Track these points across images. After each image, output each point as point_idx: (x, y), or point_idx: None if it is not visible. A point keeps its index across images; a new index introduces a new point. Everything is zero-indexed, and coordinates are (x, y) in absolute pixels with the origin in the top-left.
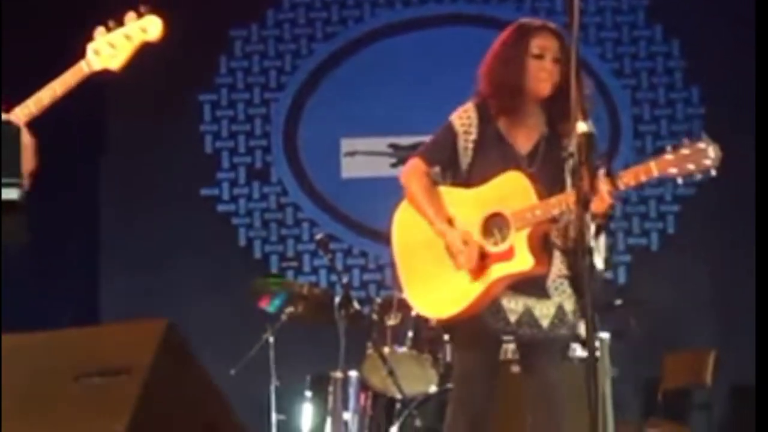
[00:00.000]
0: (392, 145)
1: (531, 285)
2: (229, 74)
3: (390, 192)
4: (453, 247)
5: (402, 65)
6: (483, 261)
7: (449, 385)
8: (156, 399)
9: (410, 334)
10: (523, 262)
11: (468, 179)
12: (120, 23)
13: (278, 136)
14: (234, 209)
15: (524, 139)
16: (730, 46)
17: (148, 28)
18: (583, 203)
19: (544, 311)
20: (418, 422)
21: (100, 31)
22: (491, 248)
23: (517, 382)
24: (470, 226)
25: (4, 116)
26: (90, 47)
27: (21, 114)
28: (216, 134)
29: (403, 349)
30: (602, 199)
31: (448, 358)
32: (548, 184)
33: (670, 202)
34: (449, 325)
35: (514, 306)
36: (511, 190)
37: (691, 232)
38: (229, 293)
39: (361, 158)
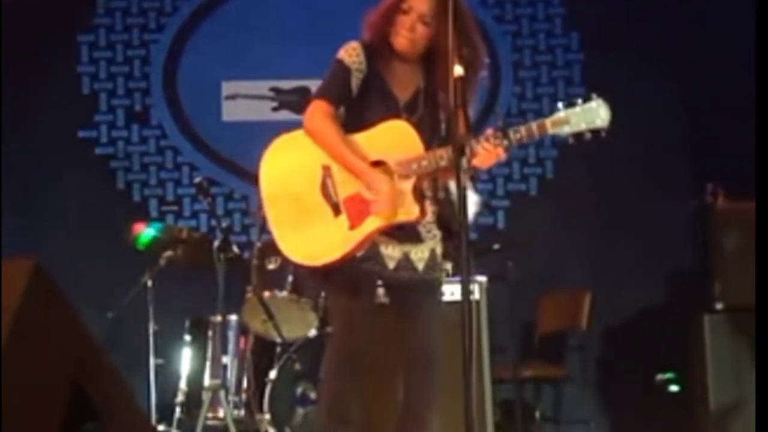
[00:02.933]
0: (274, 89)
1: (406, 231)
2: (107, 15)
3: (271, 136)
4: (373, 188)
5: (284, 8)
6: (362, 209)
7: (329, 329)
8: (24, 339)
9: (290, 278)
10: (408, 212)
11: (351, 117)
12: None
13: (158, 78)
14: (112, 152)
15: (401, 89)
16: None
17: None
18: (459, 148)
19: (419, 255)
20: (297, 366)
21: None
22: (371, 196)
23: (392, 326)
24: (350, 174)
25: None
26: None
27: None
28: (94, 76)
29: (283, 294)
30: (495, 154)
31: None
32: (428, 137)
33: (549, 147)
34: (324, 270)
35: (391, 252)
36: (397, 139)
37: (569, 177)
38: (107, 237)
39: (242, 101)
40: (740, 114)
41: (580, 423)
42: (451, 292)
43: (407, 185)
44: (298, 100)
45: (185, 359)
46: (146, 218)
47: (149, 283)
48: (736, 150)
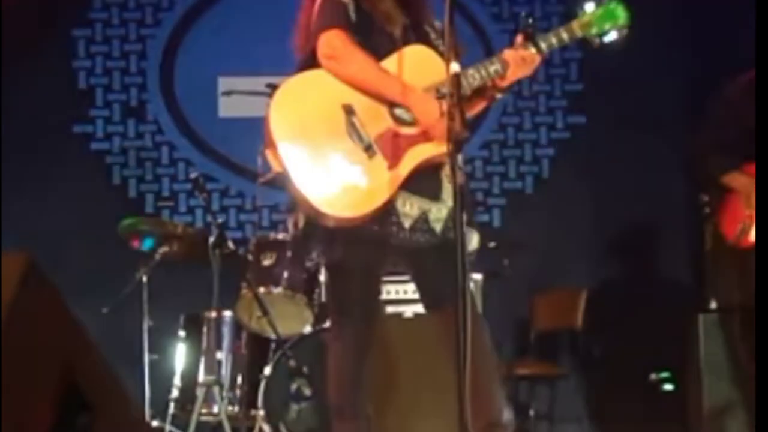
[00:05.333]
0: (270, 85)
1: (428, 183)
2: (104, 9)
3: None
4: (420, 110)
5: (281, 4)
6: (398, 144)
7: (324, 326)
8: (17, 333)
9: (285, 274)
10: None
11: None
12: None
13: (154, 73)
14: (108, 147)
15: (391, 25)
16: None
17: None
18: (456, 144)
19: (437, 214)
20: (292, 362)
21: None
22: (406, 130)
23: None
24: (375, 110)
25: None
26: None
27: None
28: (90, 70)
29: (278, 290)
30: (526, 65)
31: (323, 298)
32: None
33: (545, 146)
34: (329, 237)
35: (409, 210)
36: (420, 65)
37: (564, 176)
38: (102, 232)
39: (239, 98)
40: None
41: (574, 421)
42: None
43: (442, 110)
44: None
45: (180, 355)
46: (142, 214)
47: (144, 278)
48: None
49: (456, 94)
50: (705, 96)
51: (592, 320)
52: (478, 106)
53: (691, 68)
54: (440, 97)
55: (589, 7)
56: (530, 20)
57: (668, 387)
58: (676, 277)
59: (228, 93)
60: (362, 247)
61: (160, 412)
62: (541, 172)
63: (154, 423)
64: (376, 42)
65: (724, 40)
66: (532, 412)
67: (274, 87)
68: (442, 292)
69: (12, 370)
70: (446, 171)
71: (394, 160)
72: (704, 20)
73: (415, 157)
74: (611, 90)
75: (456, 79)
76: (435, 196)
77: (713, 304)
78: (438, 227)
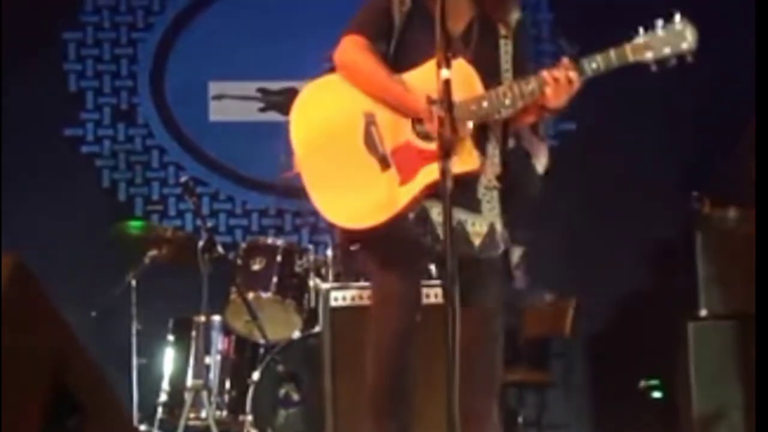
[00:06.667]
0: (261, 90)
1: (464, 196)
2: (95, 12)
3: (258, 136)
4: (423, 113)
5: (273, 9)
6: (414, 160)
7: (313, 331)
8: (5, 334)
9: (275, 279)
10: (467, 161)
11: (392, 60)
12: None
13: (145, 77)
14: (98, 150)
15: (455, 20)
16: None
17: None
18: (446, 151)
19: (476, 228)
20: (280, 367)
21: None
22: (425, 145)
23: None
24: (396, 121)
25: None
26: None
27: None
28: (80, 73)
29: (268, 295)
30: (566, 88)
31: (312, 303)
32: (485, 71)
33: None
34: (368, 237)
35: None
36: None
37: (555, 184)
38: (92, 235)
39: (230, 102)
40: (732, 120)
41: (562, 428)
42: (435, 294)
43: (465, 130)
44: (285, 101)
45: (168, 359)
46: (132, 217)
47: (133, 282)
48: (724, 157)
49: (448, 101)
50: (698, 102)
51: (581, 328)
52: (525, 119)
53: (685, 74)
54: (431, 102)
55: (647, 29)
56: (576, 46)
57: (657, 394)
58: (665, 284)
59: (218, 97)
60: (404, 248)
61: (148, 416)
62: None
63: (142, 427)
64: (426, 43)
65: (720, 44)
66: (520, 419)
67: (264, 91)
68: (471, 328)
69: (1, 372)
70: (484, 183)
71: (406, 176)
72: (701, 24)
73: (429, 173)
74: (601, 96)
75: (446, 85)
76: (473, 207)
77: (703, 312)
78: (477, 242)
